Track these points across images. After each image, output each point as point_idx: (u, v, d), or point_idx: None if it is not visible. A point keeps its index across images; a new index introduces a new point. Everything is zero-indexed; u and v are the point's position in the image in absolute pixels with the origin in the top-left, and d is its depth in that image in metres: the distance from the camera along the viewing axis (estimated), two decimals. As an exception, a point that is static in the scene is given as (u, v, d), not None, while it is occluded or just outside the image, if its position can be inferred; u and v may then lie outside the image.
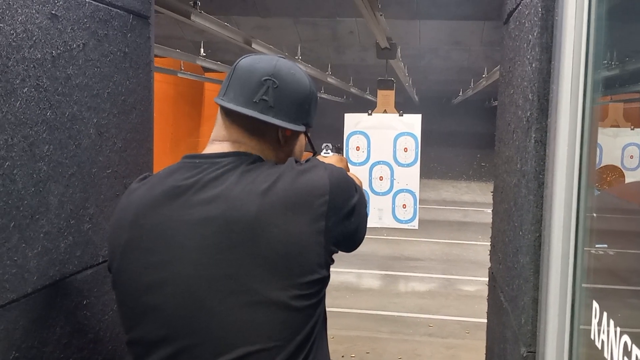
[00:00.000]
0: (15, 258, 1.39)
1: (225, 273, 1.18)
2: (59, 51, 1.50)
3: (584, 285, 1.15)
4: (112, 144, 1.77)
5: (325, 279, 1.23)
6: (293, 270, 1.18)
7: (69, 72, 1.54)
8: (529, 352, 1.26)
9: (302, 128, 1.35)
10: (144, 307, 1.24)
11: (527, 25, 1.39)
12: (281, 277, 1.18)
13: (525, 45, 1.43)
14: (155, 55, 6.53)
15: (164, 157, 8.18)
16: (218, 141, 1.35)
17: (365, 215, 1.34)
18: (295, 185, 1.22)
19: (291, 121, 1.32)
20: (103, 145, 1.72)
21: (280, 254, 1.17)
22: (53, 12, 1.46)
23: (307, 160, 1.33)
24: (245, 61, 1.34)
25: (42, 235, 1.48)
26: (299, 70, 1.35)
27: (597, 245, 1.14)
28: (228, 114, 1.34)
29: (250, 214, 1.19)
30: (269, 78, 1.29)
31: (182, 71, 8.21)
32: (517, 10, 1.54)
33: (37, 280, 1.47)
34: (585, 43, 1.13)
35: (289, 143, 1.37)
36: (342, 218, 1.24)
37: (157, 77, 7.98)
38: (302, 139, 1.43)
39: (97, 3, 1.63)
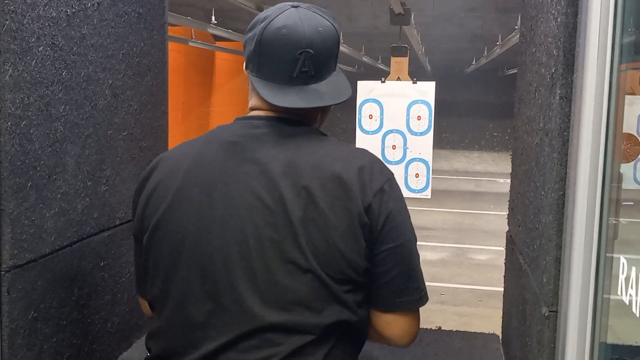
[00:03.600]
0: (33, 218, 1.39)
1: (272, 237, 1.16)
2: (73, 10, 1.48)
3: (609, 245, 1.13)
4: (128, 106, 1.76)
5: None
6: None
7: (83, 32, 1.52)
8: (551, 311, 1.25)
9: (348, 94, 1.31)
10: (184, 259, 1.21)
11: (551, -21, 1.35)
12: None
13: (549, 0, 1.40)
14: (169, 24, 6.48)
15: (176, 126, 8.18)
16: (263, 110, 1.31)
17: None
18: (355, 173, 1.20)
19: (329, 75, 1.29)
20: (119, 107, 1.71)
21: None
22: (67, -31, 1.44)
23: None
24: (270, 34, 1.25)
25: (59, 195, 1.48)
26: (323, 21, 1.28)
27: (623, 203, 1.12)
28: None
29: (309, 186, 1.17)
30: (303, 50, 1.23)
31: (193, 40, 8.15)
32: (540, -34, 1.50)
33: (54, 240, 1.47)
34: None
35: (327, 110, 1.37)
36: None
37: (171, 46, 7.93)
38: None
39: (110, -39, 1.60)
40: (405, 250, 1.22)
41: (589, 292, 1.13)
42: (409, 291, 1.23)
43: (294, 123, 1.29)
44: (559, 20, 1.29)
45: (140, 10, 1.76)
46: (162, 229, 1.24)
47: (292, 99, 1.25)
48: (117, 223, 1.77)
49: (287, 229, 1.16)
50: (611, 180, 1.12)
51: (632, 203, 1.23)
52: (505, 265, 2.05)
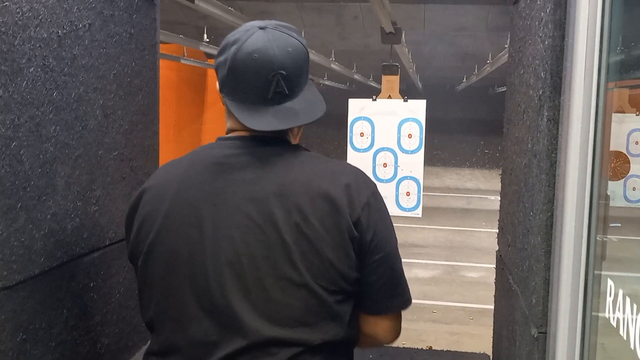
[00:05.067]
0: (23, 239, 1.38)
1: (264, 254, 1.19)
2: (65, 30, 1.48)
3: (597, 266, 1.13)
4: (119, 126, 1.76)
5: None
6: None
7: (75, 53, 1.52)
8: (540, 332, 1.25)
9: (322, 110, 1.33)
10: (179, 280, 1.23)
11: (539, 2, 1.37)
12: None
13: (537, 23, 1.41)
14: (161, 42, 6.50)
15: (167, 144, 8.17)
16: (243, 131, 1.31)
17: None
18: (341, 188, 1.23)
19: (301, 91, 1.31)
20: (109, 127, 1.71)
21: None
22: (59, -9, 1.44)
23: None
24: (242, 59, 1.25)
25: (49, 216, 1.47)
26: (292, 40, 1.28)
27: (611, 225, 1.13)
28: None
29: (299, 204, 1.20)
30: (276, 72, 1.25)
31: (185, 57, 8.17)
32: (527, -11, 1.52)
33: (44, 261, 1.47)
34: (600, 19, 1.11)
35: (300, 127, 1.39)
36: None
37: (160, 63, 7.94)
38: None
39: (102, -17, 1.61)
40: (392, 258, 1.28)
41: (577, 314, 1.13)
42: (397, 295, 1.29)
43: (275, 141, 1.30)
44: (546, 43, 1.30)
45: (132, 31, 1.77)
46: (154, 252, 1.26)
47: (268, 120, 1.25)
48: (107, 243, 1.76)
49: (279, 246, 1.18)
50: (599, 201, 1.12)
51: (619, 224, 1.24)
52: (495, 285, 2.06)
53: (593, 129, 1.14)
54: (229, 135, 1.34)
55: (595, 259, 1.14)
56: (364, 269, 1.24)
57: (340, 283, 1.20)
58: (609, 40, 1.15)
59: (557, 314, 1.16)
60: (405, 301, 1.31)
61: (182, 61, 8.21)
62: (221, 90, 1.32)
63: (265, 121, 1.25)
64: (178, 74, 9.00)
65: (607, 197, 1.17)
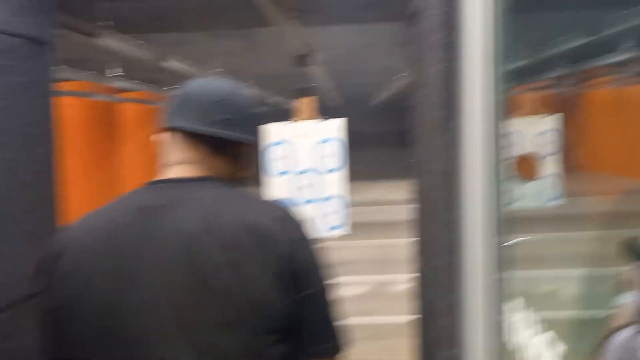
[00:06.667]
0: None
1: (194, 298, 1.16)
2: (-48, 85, 1.41)
3: (499, 284, 1.16)
4: (22, 179, 1.69)
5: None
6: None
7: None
8: (450, 354, 1.27)
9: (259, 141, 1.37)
10: (108, 333, 1.17)
11: (431, 26, 1.41)
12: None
13: (431, 46, 1.45)
14: (67, 79, 6.29)
15: (83, 181, 7.94)
16: (180, 164, 1.33)
17: None
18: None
19: (251, 134, 1.36)
20: (13, 181, 1.64)
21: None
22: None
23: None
24: (194, 86, 1.36)
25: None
26: (244, 86, 1.40)
27: (507, 243, 1.16)
28: (190, 136, 1.33)
29: (228, 239, 1.18)
30: (225, 97, 1.32)
31: (95, 93, 7.97)
32: (420, 12, 1.56)
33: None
34: (491, 37, 1.14)
35: (246, 157, 1.41)
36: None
37: (70, 101, 7.68)
38: (253, 153, 1.45)
39: (-7, 32, 1.55)
40: (321, 297, 1.25)
41: (482, 335, 1.15)
42: (328, 338, 1.26)
43: (206, 179, 1.31)
44: (440, 65, 1.34)
45: (28, 79, 1.70)
46: (83, 305, 1.20)
47: (206, 130, 1.31)
48: (13, 302, 1.68)
49: (211, 287, 1.15)
50: (498, 225, 1.15)
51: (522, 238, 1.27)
52: (413, 303, 2.08)
53: (492, 148, 1.17)
54: (156, 179, 1.33)
55: (497, 280, 1.16)
56: (294, 306, 1.21)
57: (275, 320, 1.18)
58: (498, 56, 1.18)
59: (465, 337, 1.18)
60: (335, 347, 1.26)
61: (94, 97, 8.01)
62: (167, 121, 1.36)
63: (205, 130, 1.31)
64: (90, 110, 8.77)
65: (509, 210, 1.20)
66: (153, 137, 1.40)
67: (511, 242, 1.20)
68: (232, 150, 1.37)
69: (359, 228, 11.92)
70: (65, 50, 5.52)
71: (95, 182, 8.76)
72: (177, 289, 1.16)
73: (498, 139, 1.19)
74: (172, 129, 1.36)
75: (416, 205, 1.86)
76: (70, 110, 7.89)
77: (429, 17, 1.43)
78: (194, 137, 1.33)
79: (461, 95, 1.23)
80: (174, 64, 5.85)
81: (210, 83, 1.38)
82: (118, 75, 7.13)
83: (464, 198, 1.19)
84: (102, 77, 7.07)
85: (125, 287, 1.18)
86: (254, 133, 1.39)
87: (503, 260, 1.17)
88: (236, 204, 1.26)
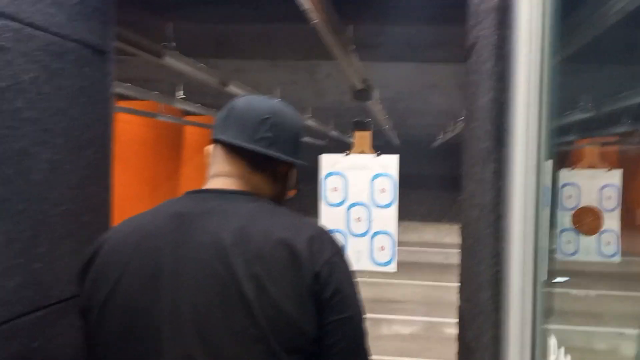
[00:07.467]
0: (-46, 298, 1.32)
1: (222, 307, 1.16)
2: (7, 83, 1.45)
3: (543, 322, 1.10)
4: (67, 180, 1.72)
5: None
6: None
7: (18, 105, 1.49)
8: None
9: (302, 162, 1.39)
10: (138, 334, 1.18)
11: (484, 55, 1.38)
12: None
13: (484, 76, 1.42)
14: (134, 98, 6.48)
15: (144, 200, 8.11)
16: (220, 176, 1.36)
17: None
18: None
19: (290, 156, 1.38)
20: (55, 182, 1.67)
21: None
22: (1, 43, 1.42)
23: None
24: (242, 102, 1.39)
25: (-15, 274, 1.41)
26: (291, 108, 1.42)
27: (556, 280, 1.10)
28: (231, 150, 1.36)
29: (260, 254, 1.19)
30: (269, 116, 1.34)
31: (161, 114, 8.18)
32: (476, 44, 1.54)
33: (-22, 321, 1.40)
34: (539, 68, 1.10)
35: (285, 178, 1.42)
36: None
37: (136, 119, 7.90)
38: (293, 174, 1.46)
39: (51, 36, 1.59)
40: (353, 324, 1.22)
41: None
42: None
43: (243, 193, 1.32)
44: (490, 95, 1.30)
45: (82, 84, 1.74)
46: (111, 304, 1.22)
47: (245, 145, 1.34)
48: (52, 302, 1.70)
49: (238, 298, 1.15)
50: (543, 255, 1.10)
51: (567, 278, 1.21)
52: (456, 340, 2.01)
53: (535, 180, 1.12)
54: (196, 189, 1.35)
55: (543, 311, 1.10)
56: (323, 329, 1.19)
57: (298, 340, 1.16)
58: (549, 90, 1.14)
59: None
60: None
61: (159, 118, 8.21)
62: (213, 133, 1.40)
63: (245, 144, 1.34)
64: (154, 130, 8.99)
65: (553, 251, 1.15)
66: (205, 149, 1.44)
67: (559, 279, 1.14)
68: (271, 169, 1.38)
69: (412, 267, 11.80)
70: (134, 68, 5.69)
71: (158, 200, 8.94)
72: (202, 296, 1.16)
73: (542, 172, 1.14)
74: (216, 142, 1.39)
75: (465, 239, 1.81)
76: (138, 128, 8.13)
77: (483, 48, 1.40)
78: (235, 151, 1.36)
79: (508, 125, 1.19)
80: (235, 90, 5.95)
81: (257, 100, 1.40)
82: (183, 98, 7.30)
83: (507, 231, 1.14)
84: (169, 98, 7.25)
85: (151, 290, 1.19)
86: (295, 155, 1.39)
87: (546, 307, 1.11)
88: (271, 219, 1.25)
